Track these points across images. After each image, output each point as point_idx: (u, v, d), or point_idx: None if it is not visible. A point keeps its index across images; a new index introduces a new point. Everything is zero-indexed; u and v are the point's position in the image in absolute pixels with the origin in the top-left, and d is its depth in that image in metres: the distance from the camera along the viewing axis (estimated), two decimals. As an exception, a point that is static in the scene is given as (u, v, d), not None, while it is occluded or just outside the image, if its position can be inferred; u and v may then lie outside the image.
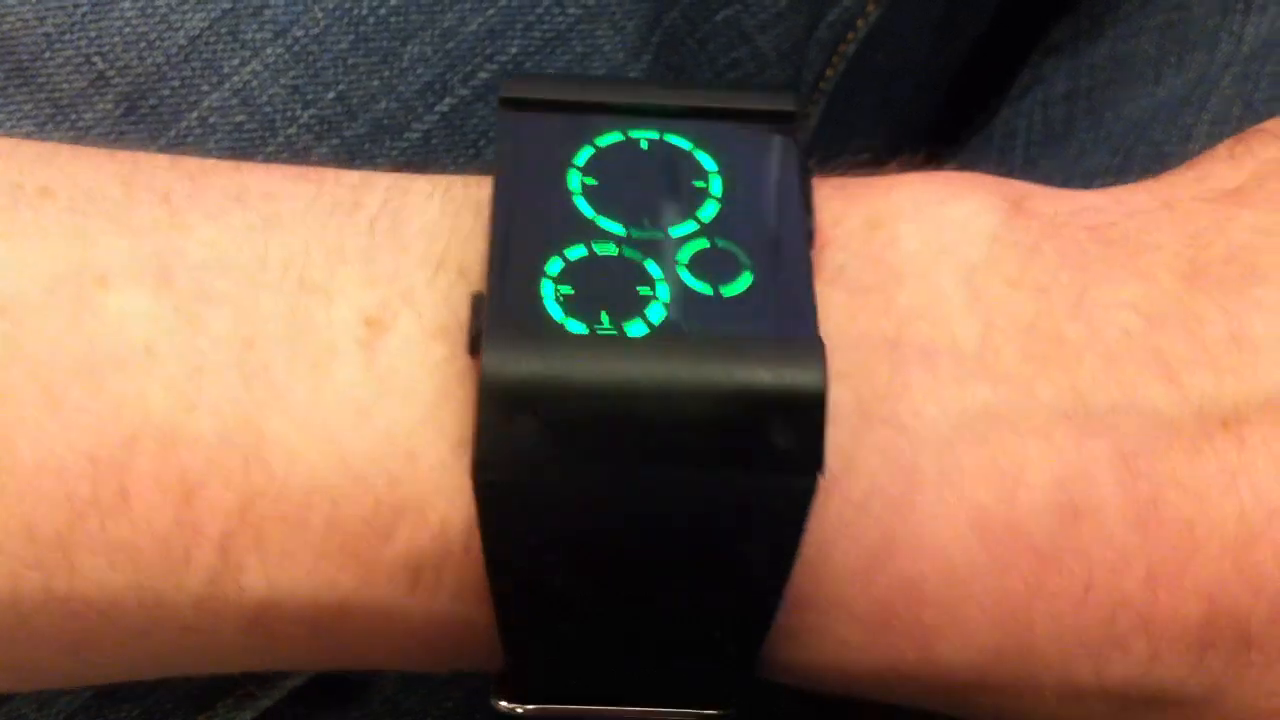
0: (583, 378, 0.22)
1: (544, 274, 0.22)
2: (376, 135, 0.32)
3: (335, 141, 0.32)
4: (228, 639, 0.23)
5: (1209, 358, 0.23)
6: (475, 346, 0.22)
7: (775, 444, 0.22)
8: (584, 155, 0.24)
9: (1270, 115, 0.27)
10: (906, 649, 0.23)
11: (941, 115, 0.43)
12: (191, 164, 0.25)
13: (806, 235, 0.23)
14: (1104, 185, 0.26)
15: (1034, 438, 0.23)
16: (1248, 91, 0.34)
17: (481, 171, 0.24)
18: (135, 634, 0.23)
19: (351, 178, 0.24)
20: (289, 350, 0.23)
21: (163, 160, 0.24)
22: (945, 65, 0.42)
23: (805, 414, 0.22)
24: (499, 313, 0.22)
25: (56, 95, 0.31)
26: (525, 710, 0.25)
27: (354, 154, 0.32)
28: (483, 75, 0.33)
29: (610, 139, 0.24)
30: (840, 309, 0.23)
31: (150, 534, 0.22)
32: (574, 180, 0.23)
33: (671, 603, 0.23)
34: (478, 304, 0.22)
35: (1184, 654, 0.23)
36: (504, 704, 0.25)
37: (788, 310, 0.23)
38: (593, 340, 0.22)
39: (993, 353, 0.23)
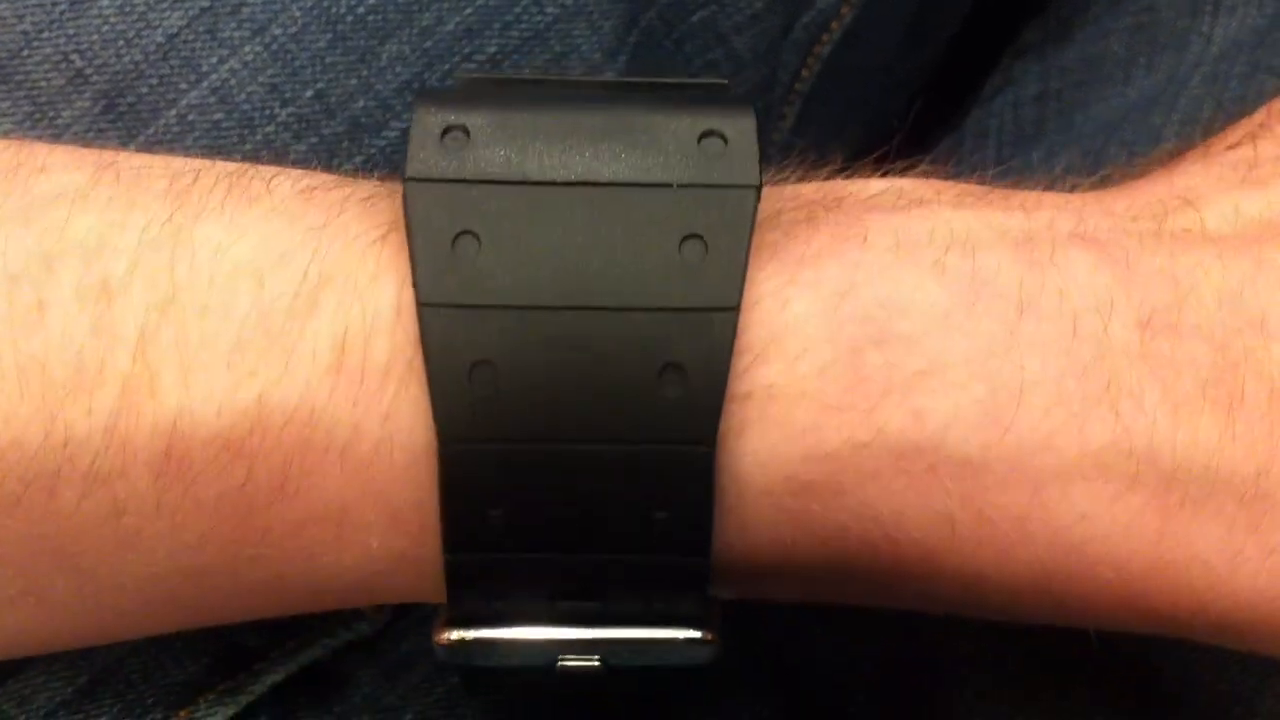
0: (512, 110, 0.23)
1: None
2: (355, 134, 0.32)
3: (314, 140, 0.32)
4: (138, 492, 0.22)
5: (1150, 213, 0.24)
6: None
7: (711, 156, 0.22)
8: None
9: (1241, 115, 0.28)
10: (887, 406, 0.22)
11: (915, 116, 0.43)
12: None
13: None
14: (1074, 186, 0.26)
15: (984, 227, 0.23)
16: (1217, 91, 0.34)
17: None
18: (40, 488, 0.22)
19: None
20: (224, 192, 0.23)
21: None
22: (918, 66, 0.42)
23: (738, 125, 0.23)
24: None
25: (35, 93, 0.31)
26: (474, 637, 0.23)
27: (332, 152, 0.32)
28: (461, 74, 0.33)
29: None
30: (777, 197, 0.24)
31: (64, 347, 0.22)
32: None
33: (620, 336, 0.22)
34: None
35: (1207, 407, 0.22)
36: (452, 635, 0.23)
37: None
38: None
39: (935, 195, 0.24)
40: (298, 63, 0.32)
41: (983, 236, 0.23)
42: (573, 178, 0.22)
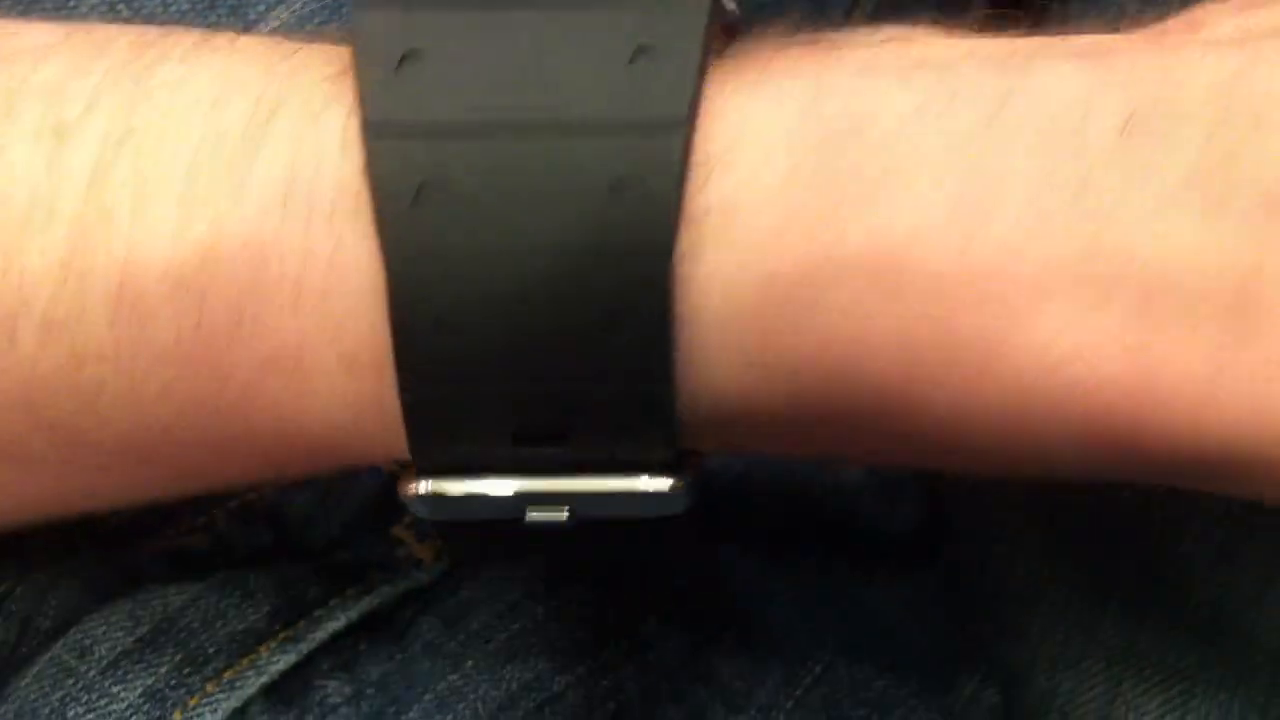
0: None
1: None
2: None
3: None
4: (95, 338, 0.22)
5: None
6: None
7: None
8: None
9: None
10: (851, 216, 0.21)
11: None
12: None
13: None
14: None
15: (961, 51, 0.23)
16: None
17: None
18: (2, 332, 0.22)
19: None
20: (190, 43, 0.24)
21: None
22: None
23: None
24: None
25: None
26: (440, 491, 0.23)
27: None
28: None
29: None
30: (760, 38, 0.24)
31: (19, 185, 0.22)
32: None
33: (566, 151, 0.21)
34: None
35: (1189, 207, 0.21)
36: (419, 487, 0.23)
37: None
38: None
39: (923, 35, 0.24)
40: (347, 8, 0.31)
41: (954, 55, 0.23)
42: None
